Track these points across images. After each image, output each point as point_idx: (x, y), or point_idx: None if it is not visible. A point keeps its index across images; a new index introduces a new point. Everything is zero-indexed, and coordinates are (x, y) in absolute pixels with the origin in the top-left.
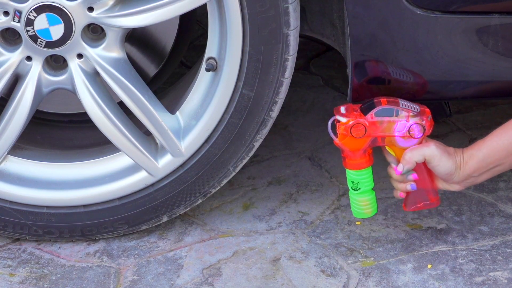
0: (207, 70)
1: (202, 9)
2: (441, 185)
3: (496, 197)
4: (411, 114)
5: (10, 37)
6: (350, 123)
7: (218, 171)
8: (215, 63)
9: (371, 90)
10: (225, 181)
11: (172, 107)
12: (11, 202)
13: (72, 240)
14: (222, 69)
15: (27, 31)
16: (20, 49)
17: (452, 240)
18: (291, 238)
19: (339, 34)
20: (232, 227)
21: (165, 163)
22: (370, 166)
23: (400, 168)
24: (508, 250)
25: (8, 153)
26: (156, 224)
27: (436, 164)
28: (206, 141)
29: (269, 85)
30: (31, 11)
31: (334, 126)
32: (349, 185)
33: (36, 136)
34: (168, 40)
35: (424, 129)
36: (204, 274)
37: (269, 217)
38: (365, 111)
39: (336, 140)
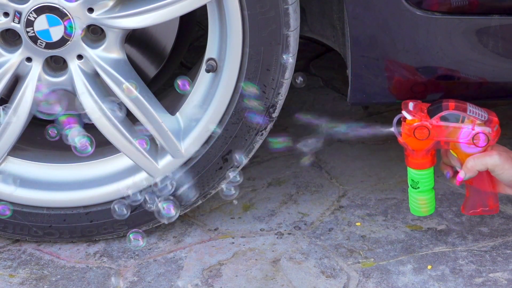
0: (207, 71)
1: (202, 10)
2: (506, 190)
3: None
4: (477, 122)
5: (10, 38)
6: (415, 124)
7: (218, 172)
8: (215, 64)
9: (371, 91)
10: (225, 182)
11: (172, 108)
12: (10, 203)
13: (72, 241)
14: (222, 70)
15: (27, 32)
16: (20, 50)
17: (452, 241)
18: (291, 239)
19: (339, 35)
20: (232, 228)
21: (165, 164)
22: (432, 167)
23: (461, 175)
24: (508, 251)
25: (8, 154)
26: (156, 225)
27: (499, 173)
28: (206, 142)
29: (269, 86)
30: (31, 12)
31: (399, 123)
32: (409, 182)
33: (36, 137)
34: (168, 41)
35: (489, 139)
36: (204, 275)
37: (269, 218)
38: (431, 113)
39: (400, 138)
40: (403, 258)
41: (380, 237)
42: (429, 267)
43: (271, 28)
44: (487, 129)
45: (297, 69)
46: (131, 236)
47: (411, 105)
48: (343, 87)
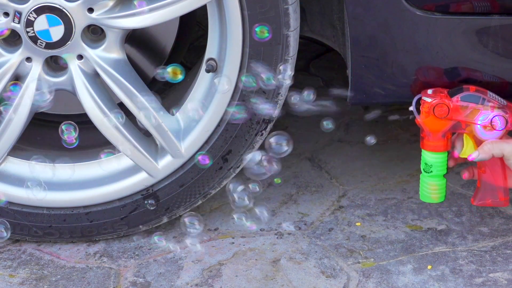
0: (207, 71)
1: (202, 10)
2: None
3: None
4: (497, 105)
5: (10, 38)
6: (434, 101)
7: (218, 172)
8: (215, 64)
9: (371, 91)
10: (225, 182)
11: (172, 108)
12: (10, 203)
13: (72, 241)
14: (222, 70)
15: (27, 32)
16: (20, 50)
17: (452, 241)
18: (291, 239)
19: (339, 35)
20: (232, 228)
21: (165, 164)
22: (446, 152)
23: (475, 154)
24: (508, 251)
25: (8, 154)
26: (156, 225)
27: None
28: (206, 142)
29: (269, 86)
30: (31, 12)
31: (418, 105)
32: (422, 166)
33: (36, 137)
34: (168, 41)
35: (507, 122)
36: (204, 275)
37: (269, 218)
38: (452, 94)
39: (418, 118)
40: (403, 258)
41: (380, 237)
42: (429, 267)
43: (271, 28)
44: (505, 113)
45: (297, 69)
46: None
47: (430, 90)
48: (343, 87)
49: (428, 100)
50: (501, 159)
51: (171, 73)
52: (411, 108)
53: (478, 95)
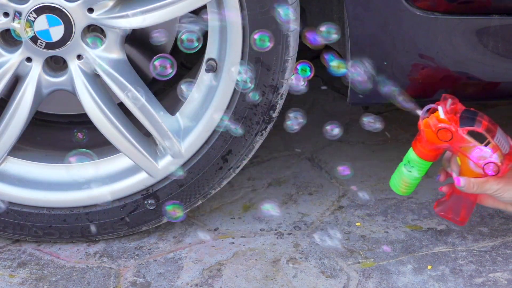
0: (207, 71)
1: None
2: (505, 207)
3: None
4: (498, 152)
5: (10, 38)
6: (441, 125)
7: (218, 172)
8: (215, 64)
9: (371, 92)
10: (225, 182)
11: (172, 108)
12: (10, 203)
13: (72, 241)
14: (222, 70)
15: (27, 32)
16: (20, 50)
17: (452, 241)
18: (291, 239)
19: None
20: (232, 228)
21: (165, 164)
22: (432, 162)
23: (461, 183)
24: (508, 251)
25: (8, 154)
26: (156, 225)
27: (500, 195)
28: (206, 142)
29: (269, 86)
30: (31, 12)
31: (429, 109)
32: (404, 161)
33: (36, 137)
34: (168, 41)
35: (498, 171)
36: (204, 275)
37: (269, 218)
38: (462, 121)
39: (421, 123)
40: (403, 258)
41: (380, 237)
42: (429, 267)
43: (271, 28)
44: (502, 162)
45: None
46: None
47: (449, 101)
48: (343, 87)
49: (442, 115)
50: None
51: (159, 66)
52: (418, 112)
53: (485, 136)
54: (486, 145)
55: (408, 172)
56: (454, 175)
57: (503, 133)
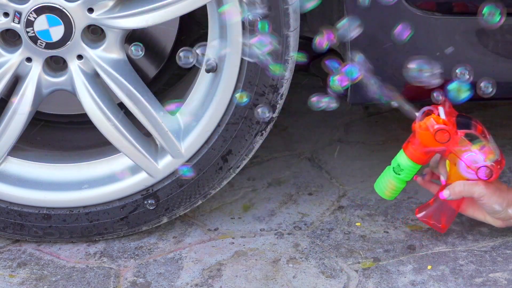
0: (207, 71)
1: (202, 10)
2: (484, 218)
3: None
4: (491, 156)
5: (10, 38)
6: (440, 126)
7: (218, 172)
8: (215, 64)
9: (371, 92)
10: (225, 182)
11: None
12: (10, 203)
13: (72, 241)
14: (222, 70)
15: (27, 32)
16: (20, 50)
17: (452, 241)
18: (291, 239)
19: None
20: (232, 228)
21: (165, 164)
22: (421, 165)
23: (446, 194)
24: (508, 251)
25: (8, 154)
26: (156, 225)
27: (485, 202)
28: (206, 142)
29: (269, 86)
30: (31, 12)
31: (425, 112)
32: (393, 164)
33: (36, 137)
34: (168, 41)
35: (491, 176)
36: (204, 275)
37: (269, 218)
38: (459, 124)
39: (416, 124)
40: (403, 258)
41: (380, 237)
42: (429, 267)
43: (271, 28)
44: (493, 167)
45: (297, 69)
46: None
47: (448, 104)
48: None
49: (443, 116)
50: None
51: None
52: (416, 114)
53: (480, 140)
54: (480, 150)
55: (396, 175)
56: (442, 178)
57: (494, 141)
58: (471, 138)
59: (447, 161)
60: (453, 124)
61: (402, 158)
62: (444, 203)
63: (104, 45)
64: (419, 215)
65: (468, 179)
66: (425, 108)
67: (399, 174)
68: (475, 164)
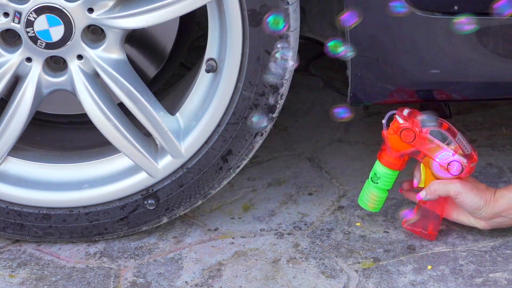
0: (207, 71)
1: (202, 10)
2: (468, 220)
3: None
4: (459, 151)
5: (10, 38)
6: (404, 125)
7: (218, 172)
8: (215, 64)
9: (371, 92)
10: (225, 182)
11: (172, 108)
12: (10, 203)
13: (72, 241)
14: (222, 70)
15: (27, 32)
16: (20, 50)
17: (452, 241)
18: (291, 239)
19: (339, 35)
20: (232, 228)
21: (165, 164)
22: (398, 171)
23: (422, 194)
24: (508, 251)
25: (8, 154)
26: (156, 225)
27: (462, 200)
28: (206, 142)
29: (269, 86)
30: (31, 12)
31: (390, 119)
32: (371, 174)
33: (36, 137)
34: (168, 41)
35: (462, 170)
36: (204, 275)
37: (269, 218)
38: (423, 123)
39: (384, 131)
40: (403, 258)
41: (380, 237)
42: (429, 267)
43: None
44: (464, 161)
45: (297, 69)
46: None
47: (406, 111)
48: (343, 87)
49: (401, 121)
50: (445, 198)
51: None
52: (383, 121)
53: (446, 135)
54: (447, 145)
55: (375, 185)
56: (415, 181)
57: (464, 137)
58: (440, 137)
59: (422, 165)
60: (416, 124)
61: (378, 167)
62: (429, 209)
63: (104, 45)
64: (406, 225)
65: (442, 179)
66: (390, 113)
67: (377, 183)
68: (446, 160)
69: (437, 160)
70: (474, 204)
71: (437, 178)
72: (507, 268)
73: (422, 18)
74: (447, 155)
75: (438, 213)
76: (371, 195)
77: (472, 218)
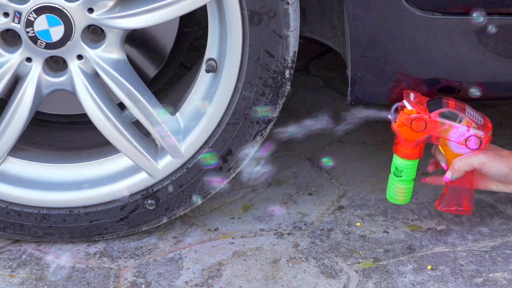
0: (207, 71)
1: (202, 10)
2: (496, 187)
3: (496, 198)
4: (473, 125)
5: (10, 38)
6: (413, 115)
7: (218, 172)
8: (215, 64)
9: (371, 92)
10: (225, 182)
11: (172, 108)
12: (10, 203)
13: (72, 241)
14: (222, 70)
15: (27, 32)
16: (20, 50)
17: (452, 241)
18: (291, 239)
19: (339, 36)
20: (232, 228)
21: (165, 164)
22: (418, 159)
23: (448, 175)
24: (508, 251)
25: (8, 154)
26: (156, 225)
27: (487, 169)
28: (206, 142)
29: (269, 86)
30: (31, 12)
31: (396, 110)
32: (392, 169)
33: (36, 137)
34: (168, 41)
35: (481, 143)
36: (204, 275)
37: (269, 218)
38: (430, 107)
39: (394, 125)
40: (403, 258)
41: (380, 237)
42: (429, 267)
43: (271, 28)
44: (480, 133)
45: (297, 69)
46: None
47: (412, 95)
48: (343, 87)
49: (409, 107)
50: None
51: None
52: (389, 116)
53: (456, 113)
54: (459, 123)
55: (399, 178)
56: (442, 164)
57: (472, 108)
58: (449, 116)
59: (439, 147)
60: (424, 110)
61: (397, 161)
62: (458, 186)
63: (104, 45)
64: (440, 207)
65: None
66: (395, 105)
67: (400, 176)
68: (462, 138)
69: (453, 139)
70: (501, 171)
71: (459, 155)
72: (507, 268)
73: (422, 18)
74: (462, 132)
75: (468, 187)
76: (398, 189)
77: (501, 185)
